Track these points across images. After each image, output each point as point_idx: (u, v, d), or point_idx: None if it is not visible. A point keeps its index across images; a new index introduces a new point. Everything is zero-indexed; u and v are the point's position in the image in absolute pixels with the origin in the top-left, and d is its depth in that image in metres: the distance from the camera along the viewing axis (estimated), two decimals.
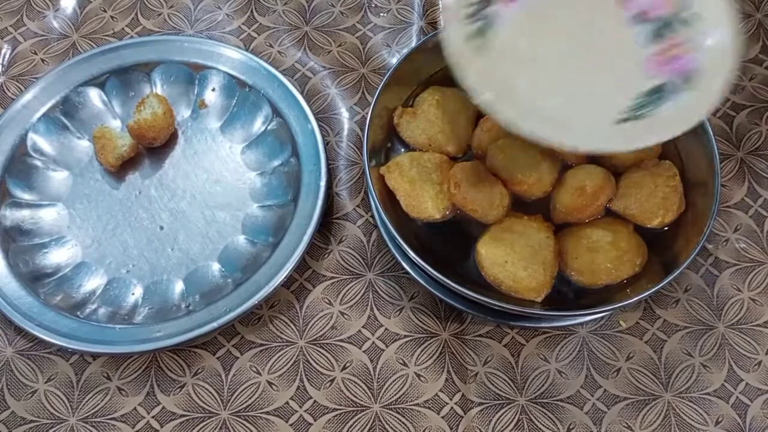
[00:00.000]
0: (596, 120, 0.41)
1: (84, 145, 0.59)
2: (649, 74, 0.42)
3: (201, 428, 0.50)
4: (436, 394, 0.50)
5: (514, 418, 0.50)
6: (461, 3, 0.43)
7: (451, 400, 0.50)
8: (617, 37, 0.43)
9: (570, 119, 0.41)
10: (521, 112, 0.41)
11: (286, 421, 0.50)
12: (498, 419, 0.50)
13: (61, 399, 0.51)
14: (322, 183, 0.54)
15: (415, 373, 0.51)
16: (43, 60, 0.65)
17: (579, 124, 0.41)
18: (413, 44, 0.65)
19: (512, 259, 0.47)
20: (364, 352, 0.52)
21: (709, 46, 0.42)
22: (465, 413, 0.50)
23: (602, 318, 0.53)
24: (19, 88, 0.63)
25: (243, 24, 0.66)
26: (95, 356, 0.52)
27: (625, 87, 0.42)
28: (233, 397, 0.51)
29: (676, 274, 0.46)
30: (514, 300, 0.47)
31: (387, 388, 0.51)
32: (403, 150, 0.54)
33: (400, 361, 0.52)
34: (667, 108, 0.41)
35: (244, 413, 0.50)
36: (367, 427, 0.49)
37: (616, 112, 0.41)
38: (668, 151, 0.52)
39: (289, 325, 0.53)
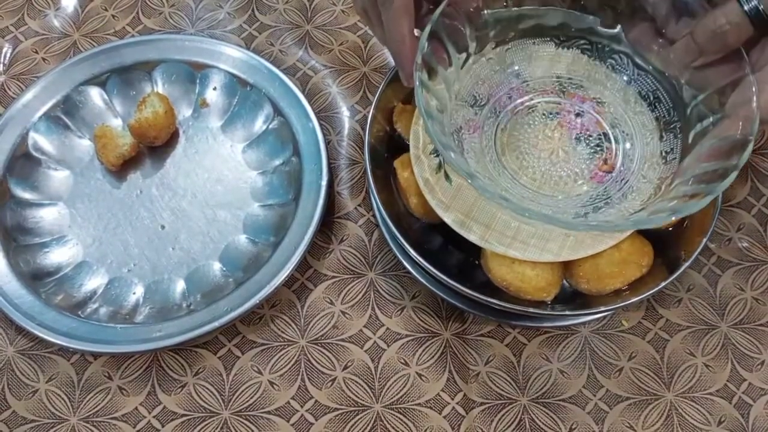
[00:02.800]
0: (548, 237, 0.46)
1: (85, 144, 0.59)
2: (594, 182, 0.48)
3: (202, 428, 0.50)
4: (438, 394, 0.50)
5: (515, 417, 0.50)
6: (426, 141, 0.49)
7: (452, 399, 0.50)
8: (567, 153, 0.49)
9: (526, 238, 0.46)
10: (484, 232, 0.46)
11: (288, 421, 0.50)
12: (500, 419, 0.50)
13: (62, 399, 0.51)
14: (324, 182, 0.54)
15: (417, 372, 0.51)
16: (44, 59, 0.65)
17: (534, 242, 0.46)
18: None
19: (519, 259, 0.47)
20: (365, 351, 0.52)
21: (638, 156, 0.48)
22: (467, 413, 0.50)
23: (604, 318, 0.53)
24: (20, 87, 0.63)
25: (244, 23, 0.66)
26: (96, 356, 0.52)
27: (574, 197, 0.47)
28: (234, 397, 0.50)
29: (678, 273, 0.46)
30: (516, 300, 0.47)
31: (388, 388, 0.51)
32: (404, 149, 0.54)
33: (402, 361, 0.51)
34: (612, 212, 0.46)
35: (245, 413, 0.50)
36: (369, 427, 0.49)
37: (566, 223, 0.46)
38: None
39: (290, 325, 0.53)
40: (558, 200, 0.47)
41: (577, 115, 0.50)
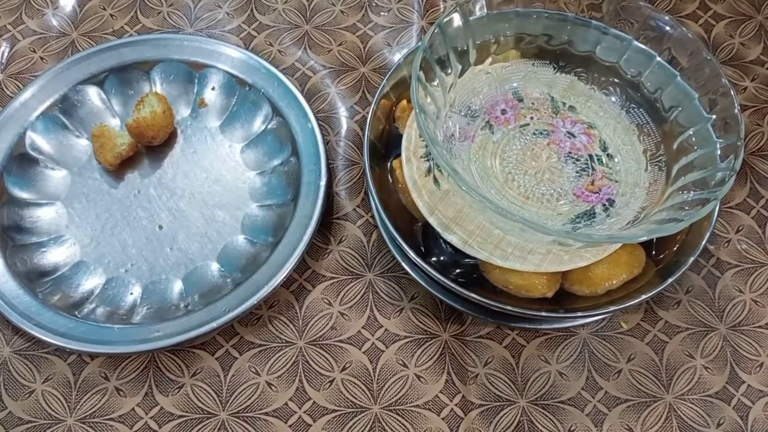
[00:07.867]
0: (529, 249, 0.46)
1: (83, 143, 0.59)
2: (580, 201, 0.48)
3: (199, 429, 0.49)
4: (437, 396, 0.50)
5: (514, 419, 0.50)
6: (418, 144, 0.49)
7: (451, 401, 0.50)
8: (553, 173, 0.49)
9: (506, 247, 0.46)
10: (467, 237, 0.46)
11: (285, 422, 0.50)
12: (498, 421, 0.49)
13: (59, 399, 0.50)
14: (322, 183, 0.54)
15: (415, 374, 0.51)
16: (41, 58, 0.64)
17: (517, 253, 0.46)
18: (414, 43, 0.65)
19: None
20: (363, 352, 0.52)
21: (624, 180, 0.49)
22: (465, 415, 0.50)
23: (603, 319, 0.53)
24: (18, 86, 0.63)
25: (243, 22, 0.66)
26: (93, 356, 0.52)
27: (556, 216, 0.47)
28: (232, 398, 0.50)
29: (677, 275, 0.46)
30: (515, 301, 0.47)
31: (387, 390, 0.50)
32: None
33: (400, 362, 0.51)
34: (597, 230, 0.46)
35: (243, 414, 0.50)
36: (367, 429, 0.49)
37: (550, 238, 0.45)
38: None
39: (288, 326, 0.53)
40: (540, 217, 0.47)
41: (568, 136, 0.50)
